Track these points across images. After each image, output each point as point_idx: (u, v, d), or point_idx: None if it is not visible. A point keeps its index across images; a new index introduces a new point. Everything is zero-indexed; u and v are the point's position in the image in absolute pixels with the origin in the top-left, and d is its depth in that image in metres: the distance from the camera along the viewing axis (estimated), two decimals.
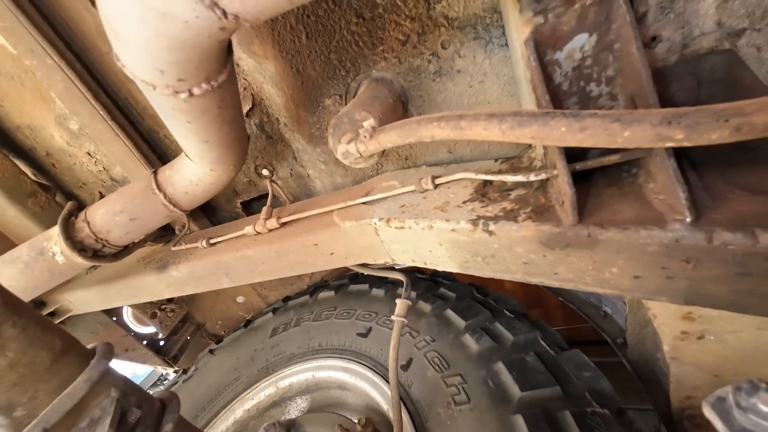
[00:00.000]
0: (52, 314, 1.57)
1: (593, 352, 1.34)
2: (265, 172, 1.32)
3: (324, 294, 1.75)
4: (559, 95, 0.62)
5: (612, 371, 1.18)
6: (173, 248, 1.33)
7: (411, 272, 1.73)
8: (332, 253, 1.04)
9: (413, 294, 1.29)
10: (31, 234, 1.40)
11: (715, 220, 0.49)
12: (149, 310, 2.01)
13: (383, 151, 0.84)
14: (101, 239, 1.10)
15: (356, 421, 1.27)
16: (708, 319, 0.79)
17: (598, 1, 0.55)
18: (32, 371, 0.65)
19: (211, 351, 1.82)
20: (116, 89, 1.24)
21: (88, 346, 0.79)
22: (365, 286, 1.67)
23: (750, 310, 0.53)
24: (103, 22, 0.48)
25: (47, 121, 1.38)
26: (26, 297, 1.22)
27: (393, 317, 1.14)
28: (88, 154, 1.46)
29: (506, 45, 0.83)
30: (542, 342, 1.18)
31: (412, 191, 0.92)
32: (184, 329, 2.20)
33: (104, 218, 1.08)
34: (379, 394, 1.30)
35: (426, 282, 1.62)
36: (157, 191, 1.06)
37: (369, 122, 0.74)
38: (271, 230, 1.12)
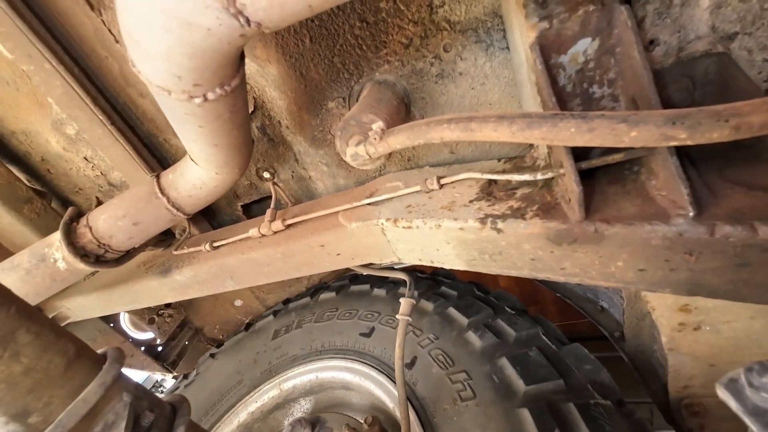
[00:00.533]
0: None
1: (588, 348, 1.38)
2: (266, 174, 1.33)
3: (325, 295, 1.76)
4: (564, 97, 0.65)
5: (609, 365, 1.21)
6: (175, 252, 1.33)
7: (412, 271, 1.75)
8: (339, 254, 1.05)
9: (416, 293, 1.31)
10: (27, 241, 1.38)
11: (715, 214, 0.51)
12: (147, 315, 1.99)
13: (389, 153, 0.86)
14: (104, 244, 1.10)
15: (362, 420, 1.28)
16: (704, 310, 0.83)
17: (600, 8, 0.57)
18: (47, 377, 0.64)
19: (212, 355, 1.81)
20: (115, 93, 1.24)
21: (98, 351, 0.79)
22: (366, 287, 1.68)
23: (747, 299, 0.56)
24: (123, 32, 0.48)
25: (43, 126, 1.37)
26: None
27: (398, 316, 1.15)
28: (85, 159, 1.45)
29: (507, 48, 0.86)
30: (544, 337, 1.21)
31: (417, 191, 0.93)
32: (182, 334, 2.18)
33: (107, 223, 1.08)
34: (384, 393, 1.31)
35: (427, 281, 1.64)
36: (160, 195, 1.06)
37: (377, 125, 0.75)
38: (276, 232, 1.13)
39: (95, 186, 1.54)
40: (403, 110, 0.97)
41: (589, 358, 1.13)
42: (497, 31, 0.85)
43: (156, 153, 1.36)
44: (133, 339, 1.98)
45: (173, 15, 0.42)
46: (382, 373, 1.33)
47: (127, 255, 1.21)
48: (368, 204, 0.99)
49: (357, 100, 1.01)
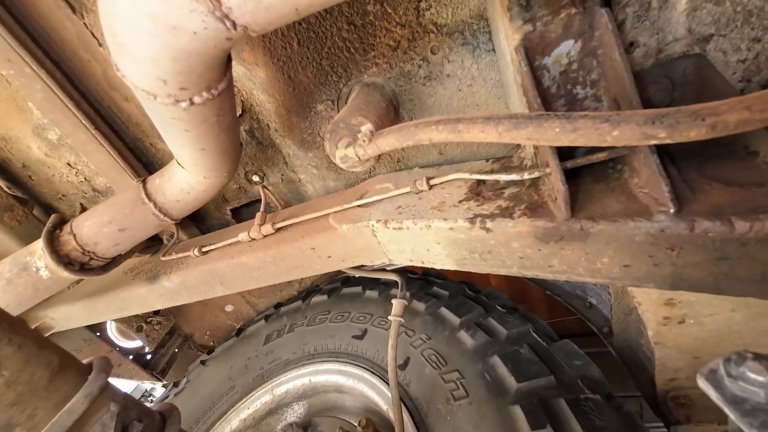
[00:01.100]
0: None
1: (577, 344, 1.40)
2: (255, 178, 1.32)
3: (317, 298, 1.75)
4: (548, 98, 0.66)
5: (598, 360, 1.24)
6: (163, 258, 1.31)
7: (403, 272, 1.76)
8: (330, 256, 1.05)
9: (407, 294, 1.32)
10: (8, 250, 1.34)
11: (695, 210, 0.53)
12: (135, 323, 1.94)
13: (379, 155, 0.87)
14: (88, 252, 1.07)
15: (356, 423, 1.28)
16: (687, 304, 0.85)
17: (581, 11, 0.59)
18: (30, 389, 0.63)
19: (202, 362, 1.79)
20: (99, 98, 1.21)
21: (84, 361, 0.77)
22: (358, 289, 1.68)
23: (728, 292, 0.58)
24: (107, 35, 0.48)
25: (24, 132, 1.33)
26: None
27: (390, 317, 1.16)
28: (69, 164, 1.41)
29: (493, 50, 0.87)
30: (534, 334, 1.23)
31: (407, 192, 0.94)
32: (171, 341, 2.14)
33: (92, 230, 1.05)
34: (378, 395, 1.31)
35: (419, 281, 1.65)
36: (147, 200, 1.05)
37: (366, 127, 0.76)
38: (266, 236, 1.12)
39: (79, 192, 1.51)
40: (392, 112, 0.98)
41: (578, 354, 1.15)
42: (483, 33, 0.86)
43: (142, 158, 1.34)
44: (120, 348, 1.94)
45: (160, 19, 0.42)
46: (376, 375, 1.32)
47: (113, 262, 1.19)
48: (358, 206, 0.99)
49: (346, 103, 1.01)
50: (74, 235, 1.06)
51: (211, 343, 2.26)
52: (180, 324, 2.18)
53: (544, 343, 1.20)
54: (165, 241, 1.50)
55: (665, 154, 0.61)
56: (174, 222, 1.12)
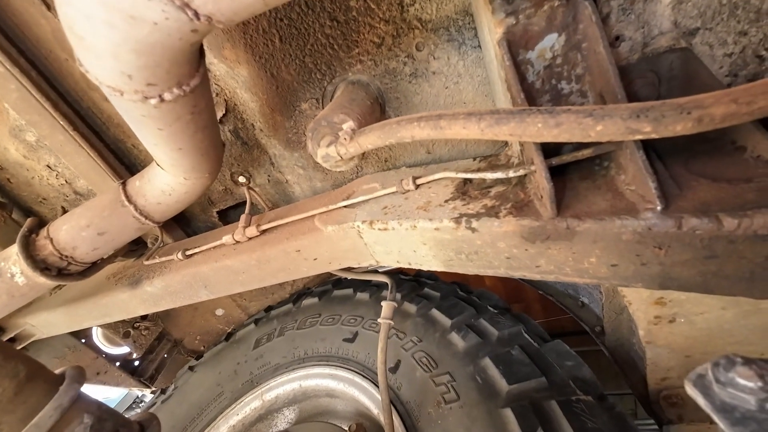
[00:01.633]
0: (13, 340, 1.46)
1: (572, 343, 1.39)
2: (241, 179, 1.29)
3: (307, 301, 1.72)
4: (533, 93, 0.64)
5: (590, 359, 1.22)
6: (146, 262, 1.27)
7: (395, 274, 1.73)
8: (315, 259, 1.02)
9: (398, 296, 1.30)
10: None
11: (682, 207, 0.51)
12: (121, 329, 1.90)
13: (363, 154, 0.84)
14: (66, 256, 1.04)
15: (347, 428, 1.26)
16: (677, 302, 0.84)
17: (565, 3, 0.57)
18: None
19: (190, 368, 1.75)
20: (77, 98, 1.18)
21: (56, 371, 0.74)
22: (349, 291, 1.66)
23: (716, 290, 0.56)
24: (64, 27, 0.45)
25: (0, 134, 1.29)
26: None
27: (379, 320, 1.13)
28: (48, 167, 1.38)
29: (479, 46, 0.86)
30: (526, 335, 1.21)
31: (393, 192, 0.92)
32: (160, 347, 2.10)
33: (69, 234, 1.02)
34: (369, 399, 1.28)
35: (410, 283, 1.63)
36: (126, 203, 1.01)
37: (348, 125, 0.74)
38: (250, 238, 1.09)
39: (60, 195, 1.47)
40: (378, 110, 0.95)
41: (570, 354, 1.14)
42: (468, 29, 0.84)
43: (124, 159, 1.30)
44: (107, 354, 1.89)
45: (115, 8, 0.39)
46: (367, 378, 1.30)
47: (93, 267, 1.15)
48: (344, 206, 0.97)
49: (330, 101, 0.98)
50: (51, 240, 1.02)
51: (202, 348, 2.22)
52: (169, 329, 2.14)
53: (535, 344, 1.18)
54: (149, 245, 1.47)
55: (652, 150, 0.60)
56: (156, 225, 1.09)
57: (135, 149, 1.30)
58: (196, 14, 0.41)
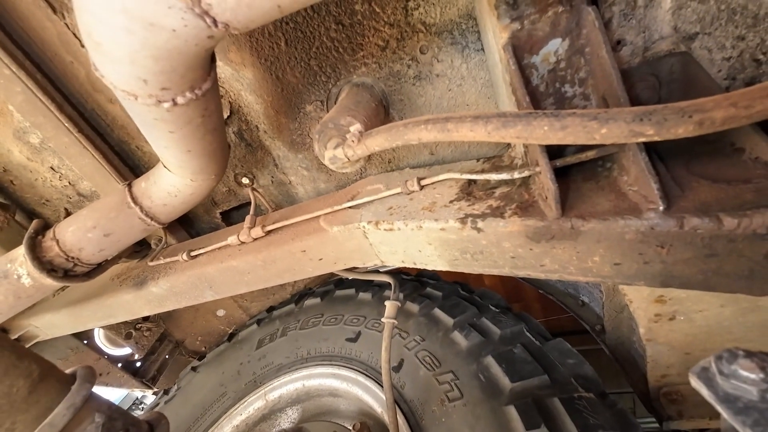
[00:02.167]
0: (17, 341, 1.46)
1: (572, 341, 1.40)
2: (245, 180, 1.30)
3: (310, 301, 1.73)
4: (537, 96, 0.66)
5: (591, 358, 1.24)
6: (151, 263, 1.28)
7: (397, 274, 1.75)
8: (321, 259, 1.04)
9: (401, 295, 1.31)
10: None
11: (684, 207, 0.53)
12: (123, 330, 1.90)
13: (369, 156, 0.86)
14: (72, 258, 1.05)
15: (351, 426, 1.27)
16: (677, 300, 0.86)
17: (568, 9, 0.59)
18: (9, 401, 0.61)
19: (193, 368, 1.75)
20: (82, 100, 1.19)
21: (67, 371, 0.75)
22: (352, 291, 1.67)
23: (717, 288, 0.58)
24: (82, 33, 0.46)
25: (4, 136, 1.30)
26: None
27: (383, 319, 1.15)
28: (52, 168, 1.38)
29: (482, 50, 0.87)
30: (528, 333, 1.23)
31: (398, 193, 0.93)
32: (162, 348, 2.10)
33: (76, 235, 1.02)
34: (372, 398, 1.30)
35: (412, 283, 1.64)
36: (132, 205, 1.02)
37: (355, 127, 0.75)
38: (256, 239, 1.10)
39: (63, 197, 1.47)
40: (382, 112, 0.97)
41: (572, 353, 1.15)
42: (472, 32, 0.86)
43: (128, 161, 1.31)
44: (109, 355, 1.89)
45: (135, 16, 0.40)
46: (370, 377, 1.31)
47: (99, 268, 1.16)
48: (349, 207, 0.98)
49: (335, 103, 1.00)
50: (57, 241, 1.03)
51: (203, 349, 2.23)
52: (170, 330, 2.15)
53: (537, 343, 1.20)
54: (153, 246, 1.47)
55: (653, 152, 0.62)
56: (162, 226, 1.10)
57: (139, 151, 1.30)
58: (215, 22, 0.42)
